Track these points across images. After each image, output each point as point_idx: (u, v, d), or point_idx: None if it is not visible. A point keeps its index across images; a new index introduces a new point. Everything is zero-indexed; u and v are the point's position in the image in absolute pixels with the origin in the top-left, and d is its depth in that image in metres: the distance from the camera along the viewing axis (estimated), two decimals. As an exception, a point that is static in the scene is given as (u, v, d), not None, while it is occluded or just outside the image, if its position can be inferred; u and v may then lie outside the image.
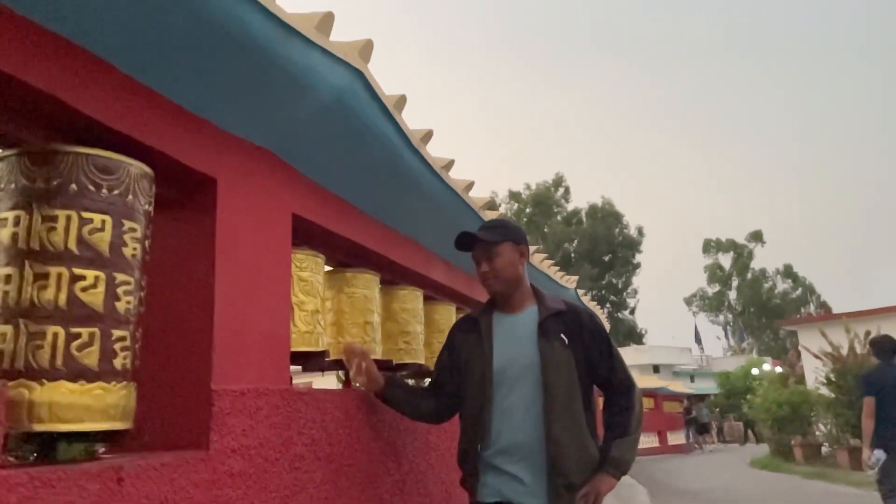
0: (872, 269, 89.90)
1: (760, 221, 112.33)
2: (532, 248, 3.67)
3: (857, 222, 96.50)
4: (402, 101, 2.34)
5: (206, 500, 1.63)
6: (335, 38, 1.95)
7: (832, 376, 13.09)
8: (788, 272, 57.63)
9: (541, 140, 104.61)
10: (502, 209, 44.56)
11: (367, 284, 2.73)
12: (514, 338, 2.22)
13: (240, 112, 1.87)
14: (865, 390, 5.31)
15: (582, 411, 2.14)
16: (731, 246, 58.88)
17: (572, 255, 46.17)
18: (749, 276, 57.48)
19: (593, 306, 8.06)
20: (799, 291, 57.00)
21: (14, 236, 1.38)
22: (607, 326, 9.98)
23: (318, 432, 2.13)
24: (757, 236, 58.58)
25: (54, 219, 1.39)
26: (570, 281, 6.13)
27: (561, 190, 49.28)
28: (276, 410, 1.94)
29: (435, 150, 2.78)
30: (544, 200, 48.26)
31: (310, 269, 2.33)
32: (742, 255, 58.26)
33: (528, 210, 47.82)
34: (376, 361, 2.45)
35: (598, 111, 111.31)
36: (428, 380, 3.09)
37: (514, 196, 49.24)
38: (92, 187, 1.44)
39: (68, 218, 1.40)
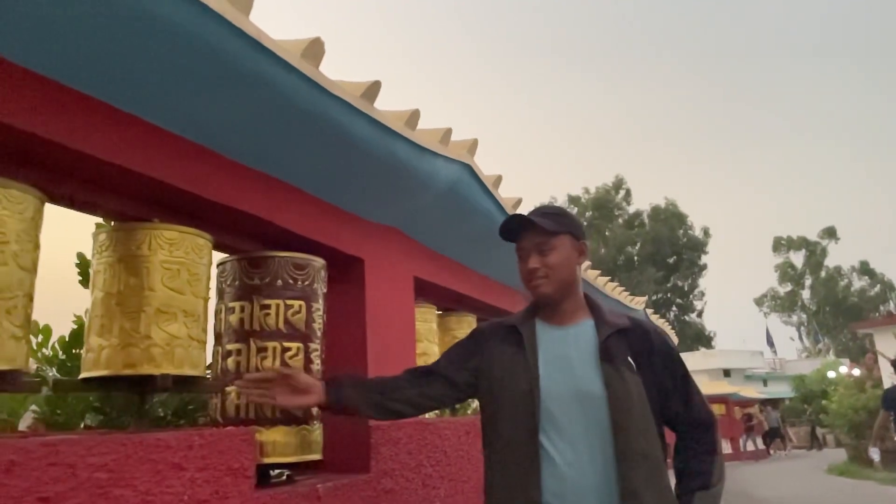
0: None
1: (833, 217, 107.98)
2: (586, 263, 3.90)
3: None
4: (498, 180, 2.83)
5: (370, 513, 2.13)
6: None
7: (909, 381, 12.86)
8: (865, 269, 55.31)
9: (600, 142, 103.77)
10: (562, 215, 44.36)
11: (467, 326, 3.22)
12: (566, 358, 1.72)
13: (379, 206, 2.38)
14: (885, 405, 6.16)
15: (661, 456, 1.70)
16: (803, 243, 56.92)
17: (635, 258, 45.71)
18: (823, 273, 55.45)
19: (654, 317, 8.22)
20: (877, 288, 54.66)
21: (241, 321, 1.93)
22: (674, 337, 10.08)
23: (440, 455, 2.62)
24: (830, 232, 56.47)
25: (268, 307, 1.93)
26: (637, 302, 6.41)
27: (622, 192, 48.89)
28: (411, 439, 2.44)
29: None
30: (605, 204, 47.94)
31: (426, 319, 2.83)
32: (815, 253, 56.24)
33: (588, 214, 47.65)
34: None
35: (660, 110, 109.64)
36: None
37: (573, 200, 49.07)
38: (291, 281, 1.97)
39: (277, 305, 1.94)
